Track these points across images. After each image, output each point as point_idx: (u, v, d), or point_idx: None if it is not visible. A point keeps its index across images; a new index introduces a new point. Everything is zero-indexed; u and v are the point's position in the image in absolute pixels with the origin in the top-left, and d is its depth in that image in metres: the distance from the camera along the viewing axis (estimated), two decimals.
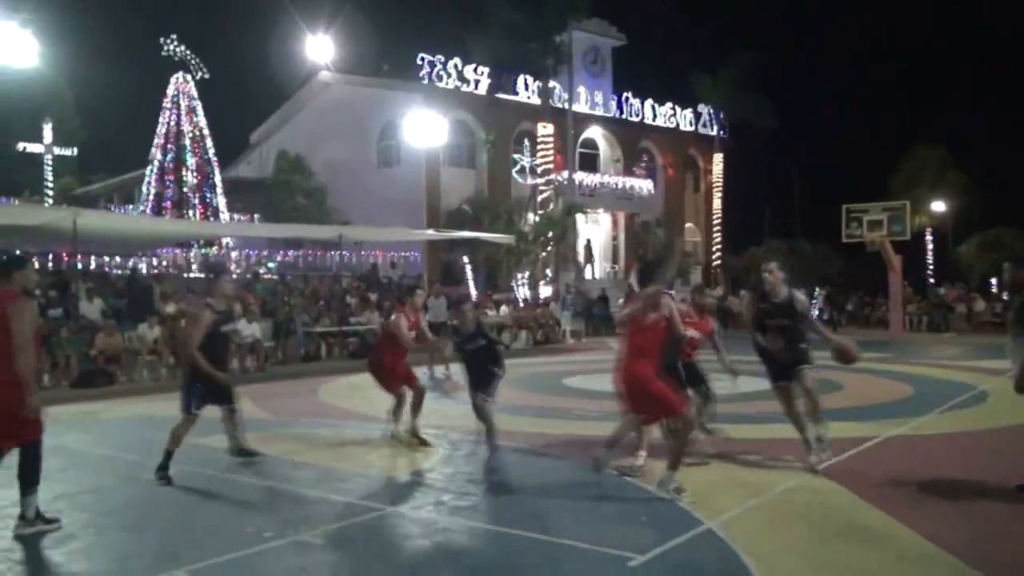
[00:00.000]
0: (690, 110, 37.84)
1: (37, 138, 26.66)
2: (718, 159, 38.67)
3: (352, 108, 32.15)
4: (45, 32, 25.70)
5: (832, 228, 26.66)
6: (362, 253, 26.40)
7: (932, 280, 35.93)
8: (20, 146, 25.80)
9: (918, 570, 4.58)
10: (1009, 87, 51.50)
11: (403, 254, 27.99)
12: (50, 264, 20.25)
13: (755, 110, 35.57)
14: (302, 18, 33.31)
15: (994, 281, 33.61)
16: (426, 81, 29.12)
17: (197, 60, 27.58)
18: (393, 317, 8.65)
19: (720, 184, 38.91)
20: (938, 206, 37.72)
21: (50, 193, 28.50)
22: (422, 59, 28.99)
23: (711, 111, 38.10)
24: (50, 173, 28.16)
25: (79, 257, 19.22)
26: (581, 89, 33.37)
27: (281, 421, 10.33)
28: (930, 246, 38.58)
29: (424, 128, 28.29)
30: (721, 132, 38.45)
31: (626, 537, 5.25)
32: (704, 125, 38.34)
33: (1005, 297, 27.76)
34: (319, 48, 33.50)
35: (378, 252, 27.24)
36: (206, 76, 27.74)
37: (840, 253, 27.88)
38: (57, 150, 27.25)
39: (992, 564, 4.61)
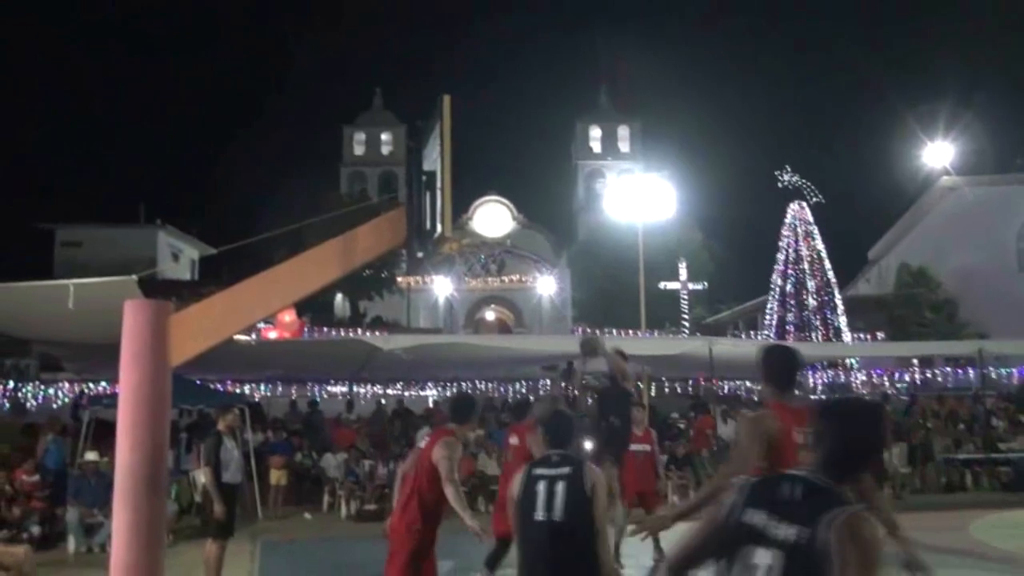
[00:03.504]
0: None
1: (674, 276, 29.99)
2: None
3: (981, 210, 29.48)
4: (677, 179, 29.31)
5: None
6: (1008, 370, 23.41)
7: None
8: (661, 285, 29.25)
9: None
10: None
11: None
12: (689, 388, 22.33)
13: None
14: (919, 126, 32.10)
15: None
16: None
17: (811, 186, 28.43)
18: None
19: None
20: None
21: (686, 324, 31.58)
22: None
23: None
24: (685, 306, 31.29)
25: (714, 381, 20.71)
26: None
27: (931, 558, 9.45)
28: None
29: None
30: None
31: None
32: None
33: None
34: (937, 153, 31.76)
35: None
36: (821, 200, 28.38)
37: None
38: (691, 285, 30.23)
39: None
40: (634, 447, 9.09)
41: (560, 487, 4.21)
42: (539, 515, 4.18)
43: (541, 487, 4.24)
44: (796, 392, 4.28)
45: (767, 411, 4.17)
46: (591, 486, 4.23)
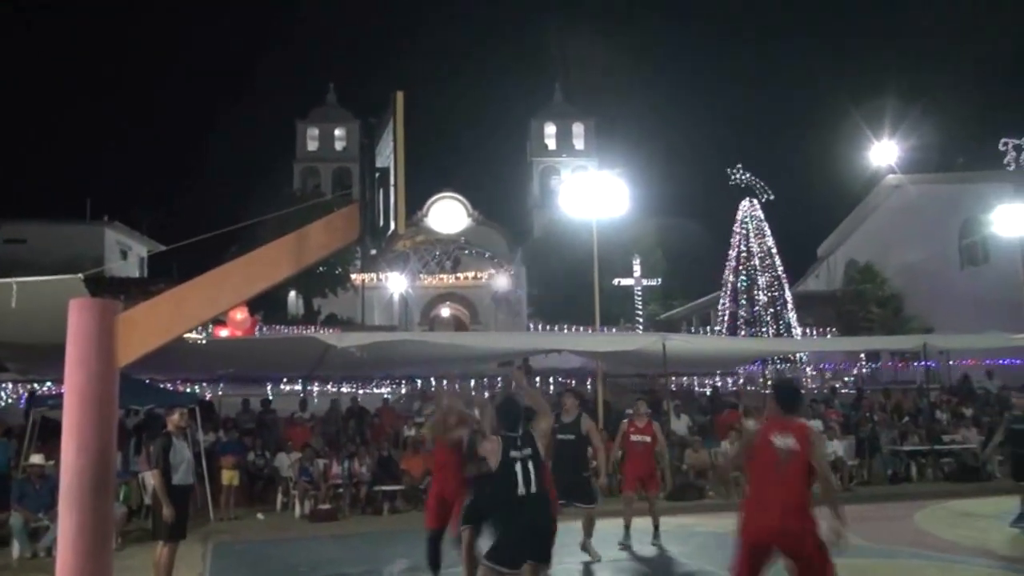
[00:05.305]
0: None
1: (628, 273, 30.17)
2: None
3: (925, 208, 30.19)
4: (631, 176, 29.43)
5: None
6: (951, 363, 24.02)
7: None
8: (615, 281, 29.42)
9: None
10: None
11: (1002, 362, 24.69)
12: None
13: None
14: (866, 125, 32.74)
15: None
16: (1012, 168, 26.11)
17: (762, 184, 28.82)
18: None
19: None
20: None
21: (640, 320, 31.83)
22: (1005, 144, 26.16)
23: None
24: (639, 302, 31.53)
25: (670, 378, 20.89)
26: None
27: (878, 548, 9.68)
28: None
29: (1019, 219, 25.10)
30: None
31: None
32: None
33: None
34: (883, 152, 32.43)
35: (970, 361, 24.50)
36: (771, 198, 28.79)
37: None
38: (644, 282, 30.45)
39: None
40: (634, 438, 10.21)
41: (531, 465, 5.53)
42: (521, 490, 5.45)
43: (518, 468, 5.48)
44: (796, 414, 5.51)
45: (756, 424, 5.66)
46: (544, 459, 5.76)
